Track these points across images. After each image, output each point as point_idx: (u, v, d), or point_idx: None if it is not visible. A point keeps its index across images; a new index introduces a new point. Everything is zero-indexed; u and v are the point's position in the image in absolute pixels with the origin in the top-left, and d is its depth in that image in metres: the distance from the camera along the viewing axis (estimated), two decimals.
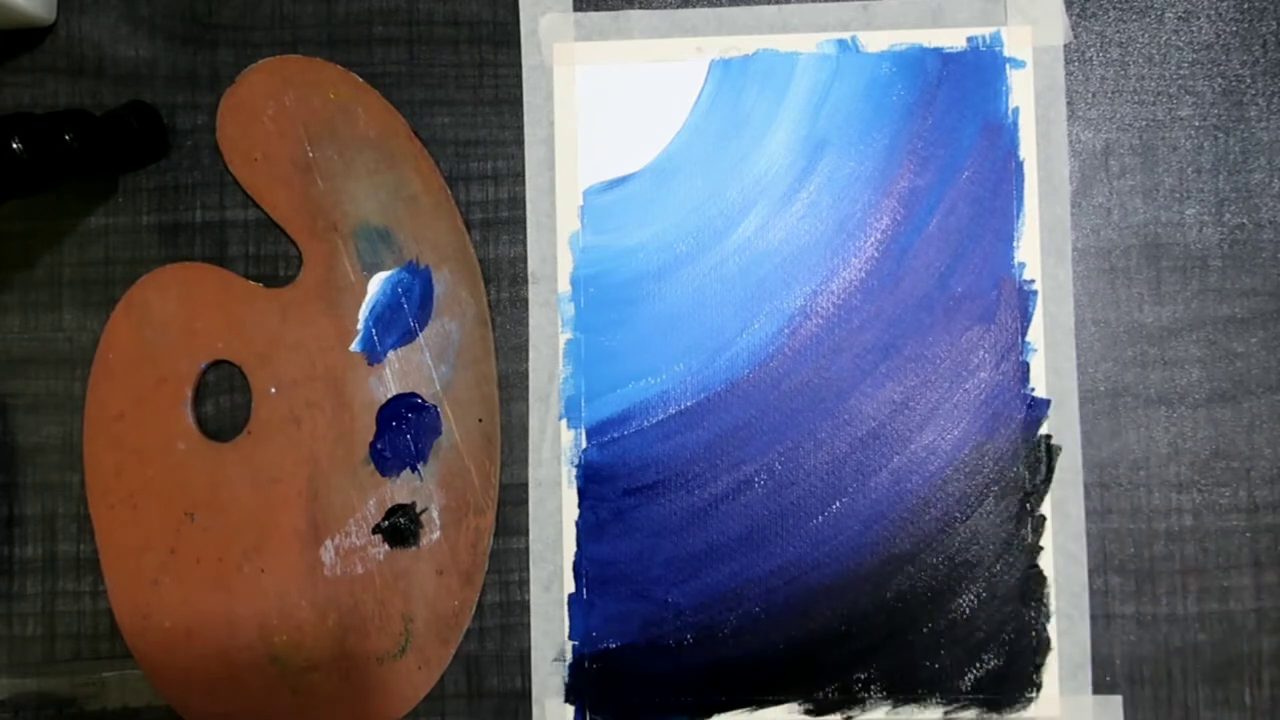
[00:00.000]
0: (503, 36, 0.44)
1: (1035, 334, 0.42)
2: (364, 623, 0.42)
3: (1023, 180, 0.43)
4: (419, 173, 0.43)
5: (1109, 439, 0.42)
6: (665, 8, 0.44)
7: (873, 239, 0.43)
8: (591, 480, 0.43)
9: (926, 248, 0.43)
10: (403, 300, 0.43)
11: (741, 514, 0.42)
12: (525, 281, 0.43)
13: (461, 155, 0.44)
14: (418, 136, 0.44)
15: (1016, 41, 0.43)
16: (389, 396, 0.43)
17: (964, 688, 0.42)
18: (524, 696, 0.43)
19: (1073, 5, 0.43)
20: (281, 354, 0.43)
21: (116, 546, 0.43)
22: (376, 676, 0.42)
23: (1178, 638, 0.42)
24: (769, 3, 0.43)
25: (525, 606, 0.43)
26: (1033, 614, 0.42)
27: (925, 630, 0.42)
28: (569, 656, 0.42)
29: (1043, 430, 0.42)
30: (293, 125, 0.43)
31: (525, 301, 0.43)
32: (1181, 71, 0.43)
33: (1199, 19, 0.43)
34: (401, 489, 0.43)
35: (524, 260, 0.44)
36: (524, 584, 0.43)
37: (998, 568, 0.42)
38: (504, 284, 0.44)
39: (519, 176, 0.44)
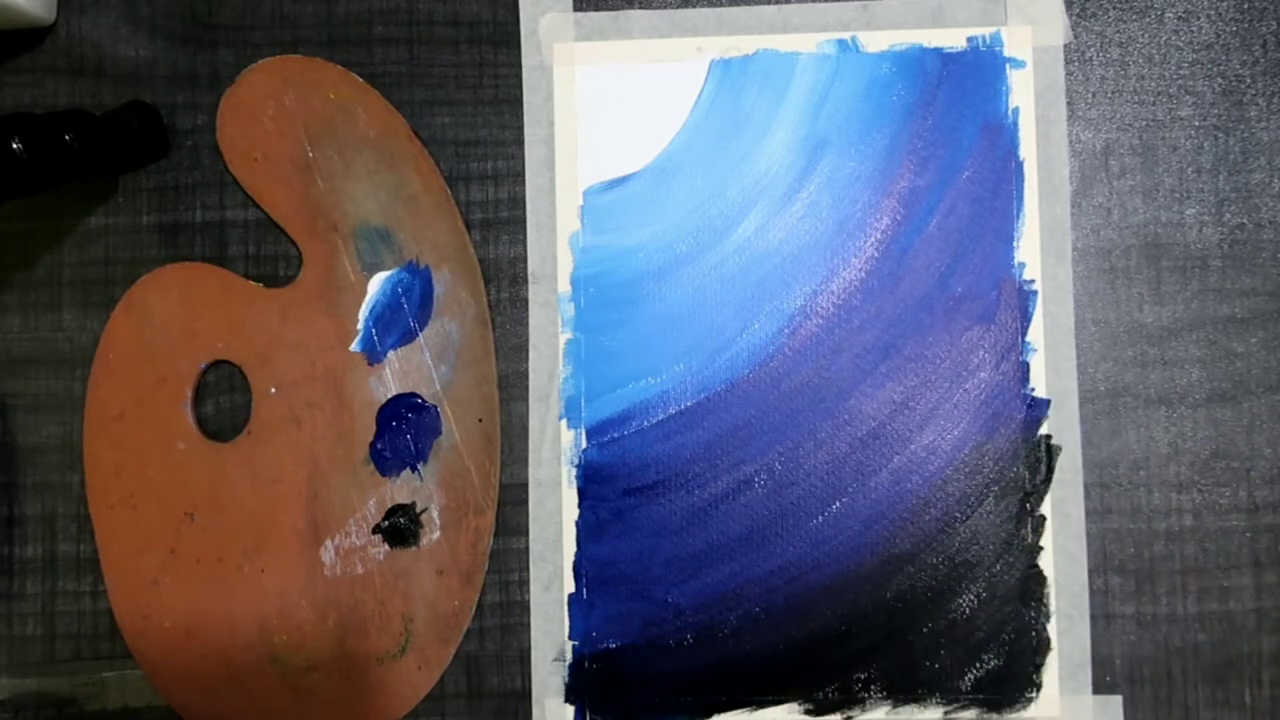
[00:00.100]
0: (503, 36, 0.44)
1: (1035, 334, 0.42)
2: (364, 623, 0.42)
3: (1023, 180, 0.43)
4: (419, 173, 0.43)
5: (1109, 439, 0.42)
6: (665, 8, 0.44)
7: (873, 239, 0.43)
8: (591, 480, 0.43)
9: (926, 248, 0.43)
10: (403, 300, 0.43)
11: (741, 514, 0.42)
12: (525, 281, 0.43)
13: (461, 155, 0.44)
14: (418, 136, 0.44)
15: (1016, 41, 0.43)
16: (389, 396, 0.43)
17: (964, 688, 0.42)
18: (524, 696, 0.43)
19: (1073, 5, 0.43)
20: (281, 354, 0.43)
21: (116, 546, 0.43)
22: (376, 676, 0.42)
23: (1178, 638, 0.42)
24: (769, 3, 0.43)
25: (525, 606, 0.43)
26: (1033, 614, 0.42)
27: (925, 630, 0.42)
28: (569, 656, 0.42)
29: (1043, 430, 0.42)
30: (293, 125, 0.43)
31: (525, 301, 0.43)
32: (1181, 71, 0.43)
33: (1199, 19, 0.43)
34: (401, 489, 0.43)
35: (524, 260, 0.44)
36: (524, 584, 0.43)
37: (998, 568, 0.42)
38: (504, 284, 0.44)
39: (519, 176, 0.44)
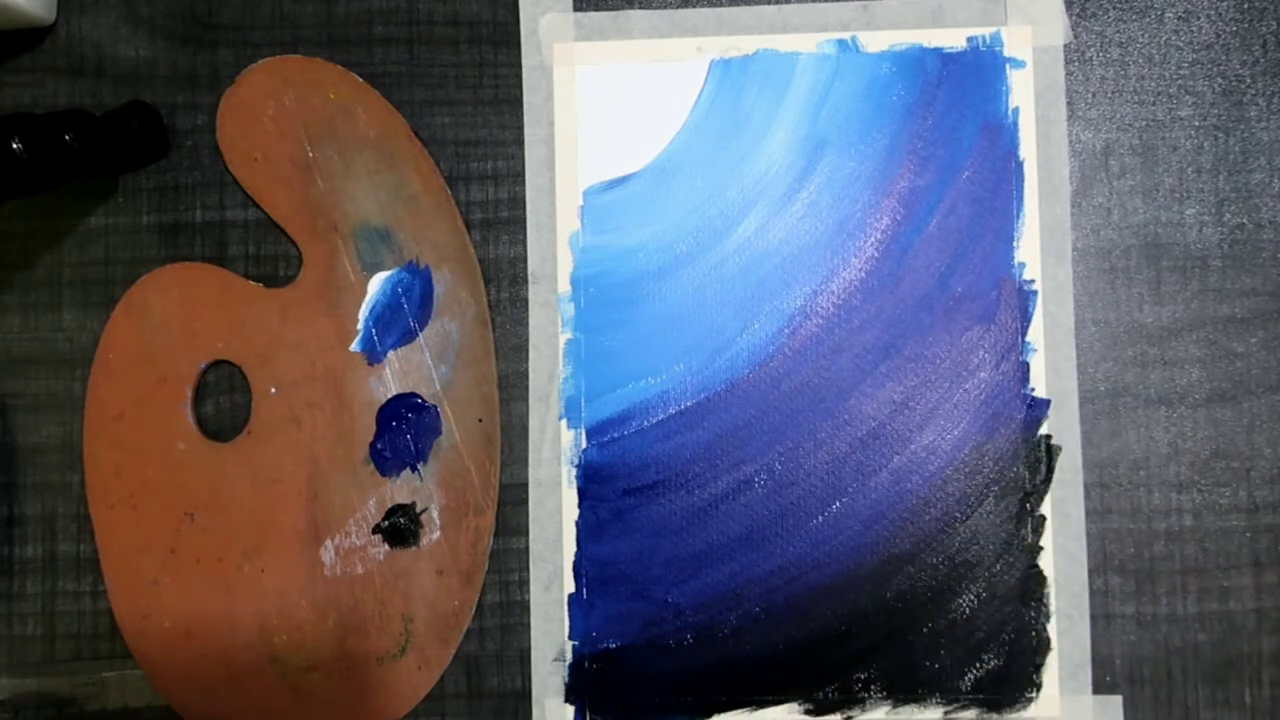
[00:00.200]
0: (503, 36, 0.44)
1: (1035, 334, 0.42)
2: (364, 623, 0.42)
3: (1023, 180, 0.43)
4: (419, 173, 0.43)
5: (1109, 439, 0.42)
6: (665, 8, 0.44)
7: (873, 239, 0.43)
8: (591, 480, 0.43)
9: (926, 248, 0.43)
10: (403, 300, 0.43)
11: (741, 514, 0.42)
12: (525, 281, 0.43)
13: (461, 155, 0.44)
14: (418, 136, 0.44)
15: (1016, 41, 0.43)
16: (389, 396, 0.43)
17: (964, 688, 0.42)
18: (524, 696, 0.43)
19: (1073, 5, 0.43)
20: (281, 354, 0.43)
21: (116, 546, 0.43)
22: (376, 676, 0.42)
23: (1178, 638, 0.42)
24: (769, 3, 0.43)
25: (525, 606, 0.43)
26: (1033, 614, 0.42)
27: (925, 630, 0.42)
28: (569, 656, 0.42)
29: (1043, 430, 0.42)
30: (293, 125, 0.43)
31: (525, 301, 0.43)
32: (1181, 71, 0.43)
33: (1199, 19, 0.43)
34: (401, 489, 0.43)
35: (524, 260, 0.44)
36: (524, 584, 0.43)
37: (998, 568, 0.42)
38: (504, 284, 0.44)
39: (519, 176, 0.44)
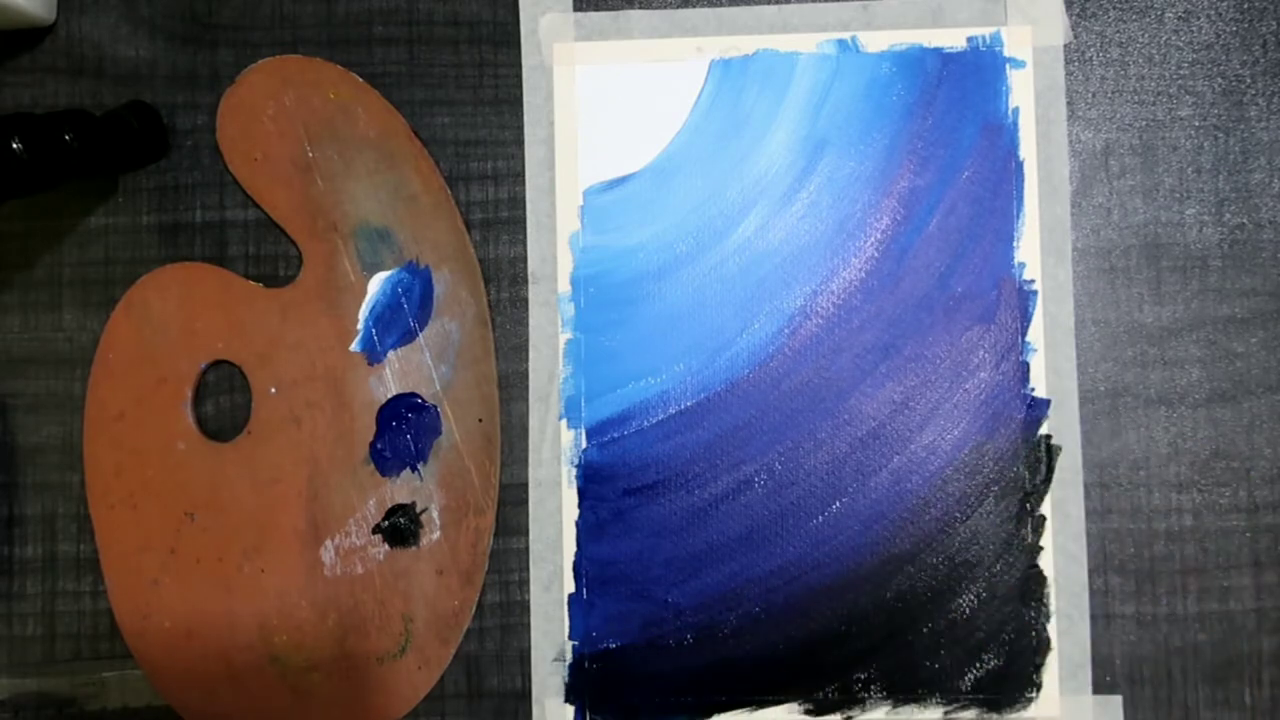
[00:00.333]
0: (503, 36, 0.44)
1: (1035, 334, 0.42)
2: (364, 623, 0.42)
3: (1023, 180, 0.43)
4: (419, 173, 0.43)
5: (1109, 439, 0.42)
6: (665, 8, 0.44)
7: (873, 239, 0.43)
8: (591, 480, 0.43)
9: (926, 248, 0.43)
10: (403, 300, 0.43)
11: (741, 514, 0.42)
12: (525, 281, 0.43)
13: (461, 155, 0.44)
14: (418, 136, 0.44)
15: (1016, 41, 0.43)
16: (389, 396, 0.43)
17: (964, 688, 0.42)
18: (524, 696, 0.43)
19: (1073, 5, 0.43)
20: (281, 354, 0.43)
21: (116, 546, 0.43)
22: (376, 676, 0.42)
23: (1178, 638, 0.42)
24: (769, 3, 0.43)
25: (525, 606, 0.43)
26: (1033, 614, 0.42)
27: (925, 630, 0.42)
28: (569, 656, 0.42)
29: (1043, 430, 0.42)
30: (293, 125, 0.43)
31: (525, 301, 0.43)
32: (1181, 71, 0.43)
33: (1199, 19, 0.43)
34: (401, 489, 0.43)
35: (524, 260, 0.44)
36: (524, 584, 0.43)
37: (998, 568, 0.42)
38: (504, 284, 0.44)
39: (519, 176, 0.44)
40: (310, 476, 0.43)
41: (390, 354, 0.43)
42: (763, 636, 0.42)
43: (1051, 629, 0.42)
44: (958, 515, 0.42)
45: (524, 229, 0.44)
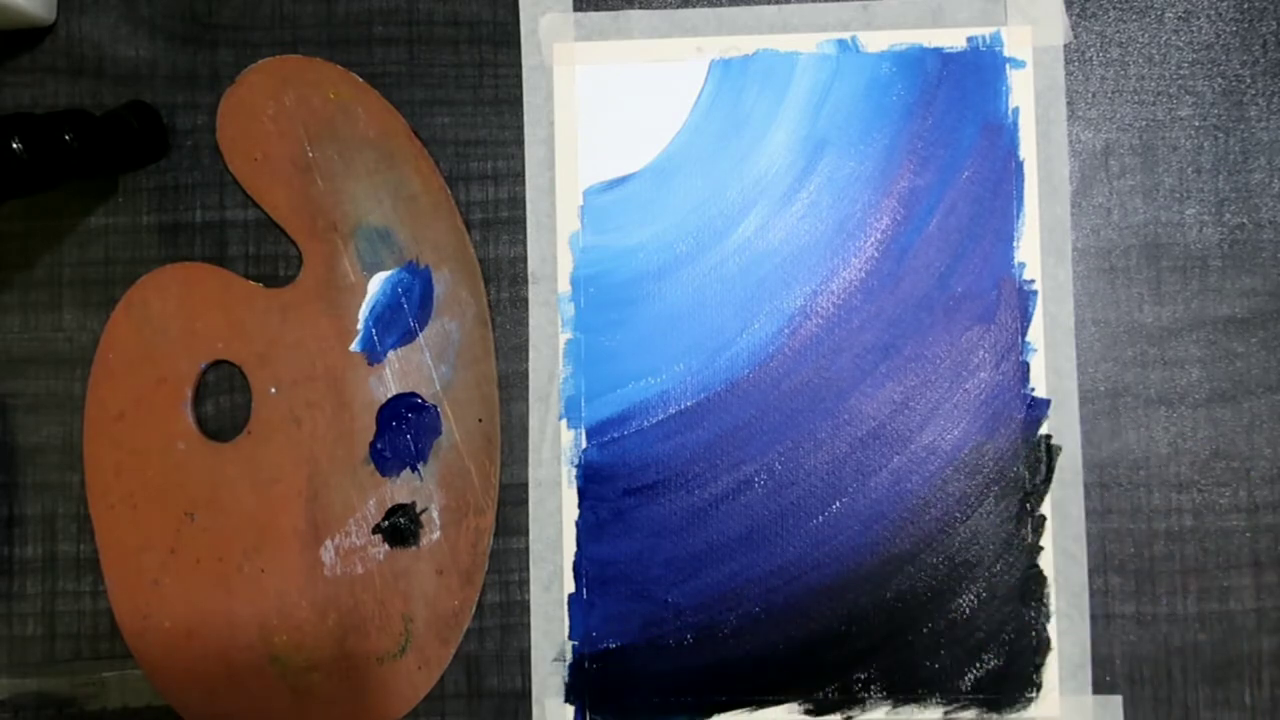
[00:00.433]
0: (503, 36, 0.44)
1: (1035, 334, 0.42)
2: (364, 623, 0.42)
3: (1023, 180, 0.43)
4: (419, 173, 0.43)
5: (1109, 439, 0.42)
6: (665, 8, 0.44)
7: (873, 239, 0.43)
8: (591, 480, 0.43)
9: (926, 248, 0.43)
10: (403, 300, 0.43)
11: (741, 514, 0.42)
12: (525, 281, 0.43)
13: (461, 155, 0.44)
14: (418, 136, 0.44)
15: (1016, 41, 0.43)
16: (389, 396, 0.43)
17: (964, 688, 0.42)
18: (524, 696, 0.43)
19: (1073, 5, 0.43)
20: (281, 354, 0.43)
21: (116, 546, 0.43)
22: (376, 676, 0.42)
23: (1178, 638, 0.42)
24: (769, 3, 0.43)
25: (525, 606, 0.43)
26: (1033, 614, 0.42)
27: (925, 630, 0.42)
28: (569, 656, 0.42)
29: (1043, 430, 0.42)
30: (293, 125, 0.43)
31: (525, 301, 0.43)
32: (1181, 71, 0.43)
33: (1199, 19, 0.43)
34: (401, 489, 0.43)
35: (524, 260, 0.44)
36: (524, 584, 0.43)
37: (998, 568, 0.42)
38: (504, 284, 0.44)
39: (519, 176, 0.44)
40: (310, 476, 0.43)
41: (390, 354, 0.43)
42: (763, 636, 0.42)
43: (1051, 629, 0.42)
44: (958, 515, 0.42)
45: (524, 229, 0.44)
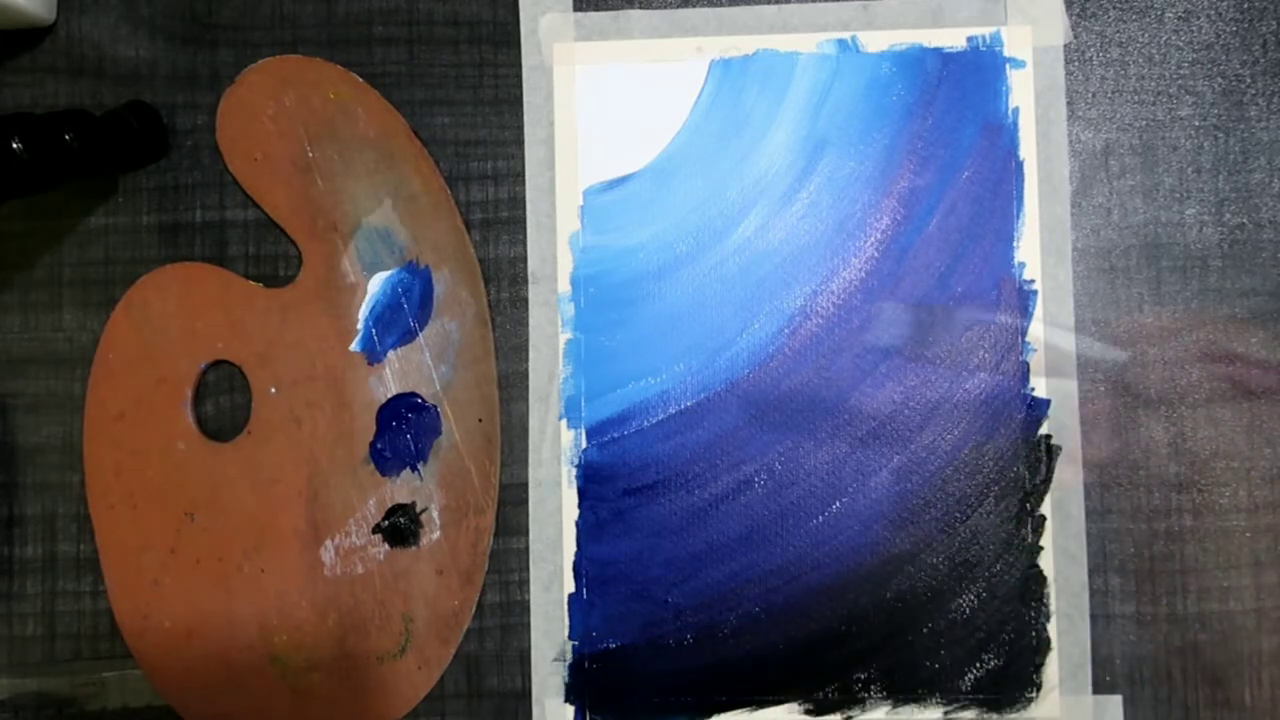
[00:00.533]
0: (503, 36, 0.44)
1: (1035, 334, 0.42)
2: (364, 623, 0.42)
3: (1023, 180, 0.43)
4: (419, 173, 0.43)
5: (1109, 439, 0.42)
6: (665, 8, 0.44)
7: (873, 239, 0.43)
8: (591, 480, 0.43)
9: (926, 248, 0.43)
10: (403, 300, 0.43)
11: (741, 514, 0.42)
12: (525, 281, 0.43)
13: (461, 155, 0.44)
14: (418, 136, 0.44)
15: (1016, 41, 0.43)
16: (389, 396, 0.43)
17: (964, 688, 0.42)
18: (524, 696, 0.43)
19: (1073, 5, 0.43)
20: (281, 354, 0.43)
21: (116, 546, 0.43)
22: (376, 676, 0.42)
23: (1178, 638, 0.42)
24: (769, 3, 0.43)
25: (525, 606, 0.43)
26: (1033, 614, 0.42)
27: (925, 630, 0.42)
28: (569, 656, 0.42)
29: (1043, 430, 0.42)
30: (293, 125, 0.43)
31: (525, 301, 0.43)
32: (1181, 71, 0.43)
33: (1199, 19, 0.43)
34: (401, 489, 0.43)
35: (524, 260, 0.44)
36: (524, 584, 0.43)
37: (998, 568, 0.42)
38: (504, 284, 0.44)
39: (519, 176, 0.44)
40: (310, 476, 0.43)
41: (390, 354, 0.43)
42: (763, 636, 0.42)
43: (1051, 629, 0.42)
44: (958, 515, 0.42)
45: (524, 229, 0.44)
